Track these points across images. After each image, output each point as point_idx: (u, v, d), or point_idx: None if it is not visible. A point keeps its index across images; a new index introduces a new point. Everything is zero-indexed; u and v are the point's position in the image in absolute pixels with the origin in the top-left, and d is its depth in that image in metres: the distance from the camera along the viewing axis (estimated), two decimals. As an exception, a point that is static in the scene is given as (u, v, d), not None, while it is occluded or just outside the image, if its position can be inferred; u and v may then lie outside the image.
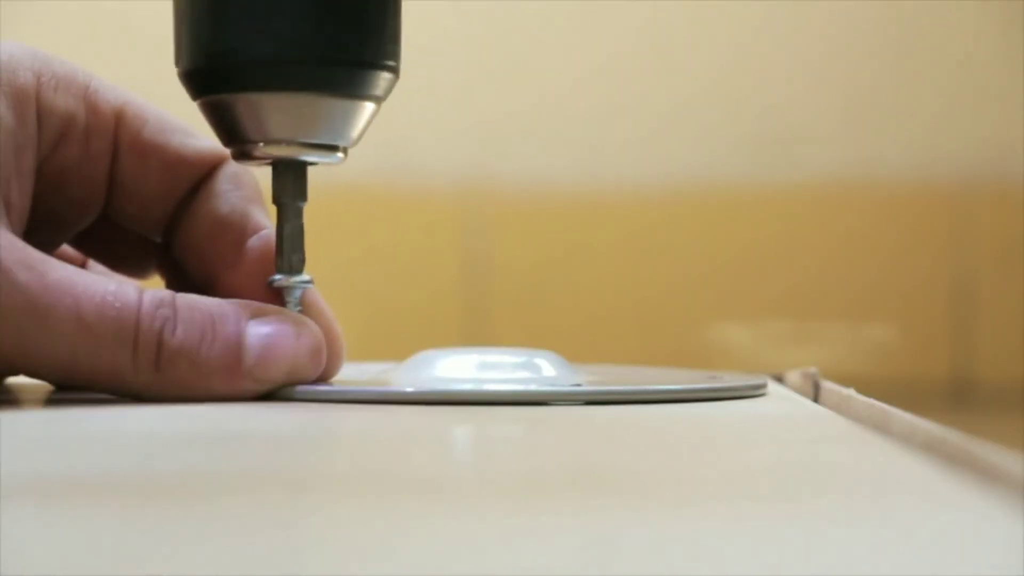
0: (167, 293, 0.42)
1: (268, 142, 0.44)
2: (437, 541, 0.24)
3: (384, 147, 1.03)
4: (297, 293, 0.45)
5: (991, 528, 0.25)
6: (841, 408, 0.45)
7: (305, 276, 0.45)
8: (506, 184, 1.06)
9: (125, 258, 0.49)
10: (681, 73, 1.07)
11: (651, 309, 1.06)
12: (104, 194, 0.46)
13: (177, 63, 0.44)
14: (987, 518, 0.26)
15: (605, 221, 1.06)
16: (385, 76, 0.44)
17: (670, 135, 1.07)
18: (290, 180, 0.45)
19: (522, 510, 0.26)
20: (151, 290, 0.42)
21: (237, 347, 0.42)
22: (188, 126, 0.46)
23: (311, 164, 0.45)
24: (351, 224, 1.06)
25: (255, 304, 0.43)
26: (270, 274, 0.45)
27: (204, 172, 0.47)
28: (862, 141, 1.06)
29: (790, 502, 0.28)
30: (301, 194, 0.45)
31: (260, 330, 0.42)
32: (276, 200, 0.45)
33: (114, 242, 0.49)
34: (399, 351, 0.50)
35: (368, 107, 0.44)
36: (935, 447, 0.33)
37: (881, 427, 0.39)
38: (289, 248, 0.45)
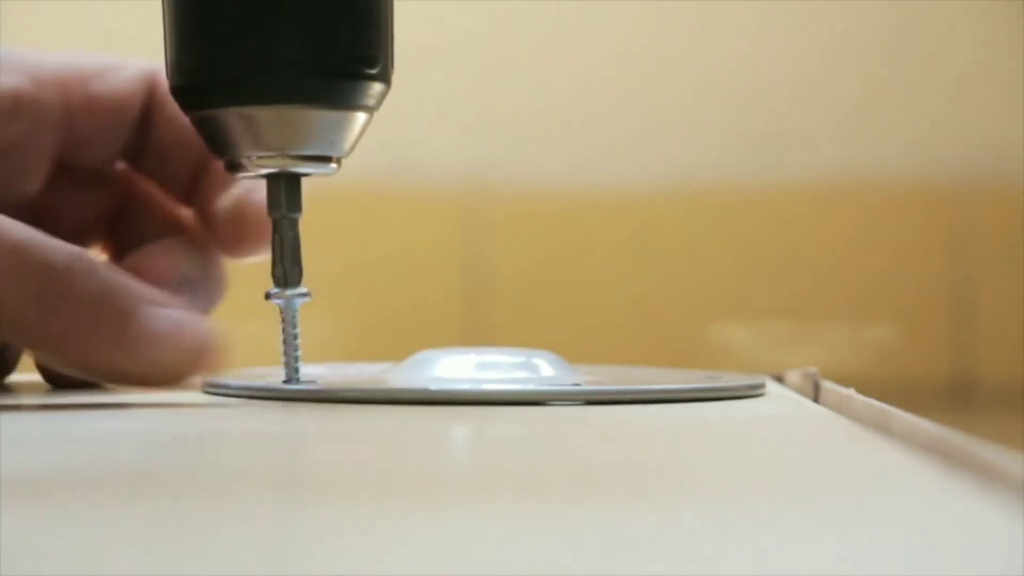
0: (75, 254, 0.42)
1: (261, 155, 0.44)
2: (436, 541, 0.24)
3: (384, 147, 1.03)
4: (296, 304, 0.44)
5: (991, 528, 0.25)
6: (841, 408, 0.44)
7: (302, 288, 0.44)
8: (506, 184, 1.06)
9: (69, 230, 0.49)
10: (681, 73, 1.07)
11: (651, 309, 1.06)
12: (47, 168, 0.47)
13: (168, 77, 0.44)
14: (987, 518, 0.26)
15: (605, 221, 1.06)
16: (377, 86, 0.44)
17: (670, 135, 1.07)
18: (284, 192, 0.44)
19: (521, 510, 0.26)
20: (67, 247, 0.42)
21: (126, 326, 0.41)
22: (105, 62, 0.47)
23: (304, 176, 0.45)
24: (351, 224, 1.06)
25: (154, 290, 0.43)
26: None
27: (141, 100, 0.47)
28: (862, 141, 1.06)
29: (789, 502, 0.28)
30: (295, 206, 0.44)
31: (153, 313, 0.42)
32: (270, 212, 0.45)
33: (56, 212, 0.49)
34: (398, 351, 0.50)
35: (360, 117, 0.44)
36: (935, 447, 0.33)
37: (881, 427, 0.39)
38: (285, 260, 0.44)
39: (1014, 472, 0.28)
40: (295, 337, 0.44)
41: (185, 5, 0.43)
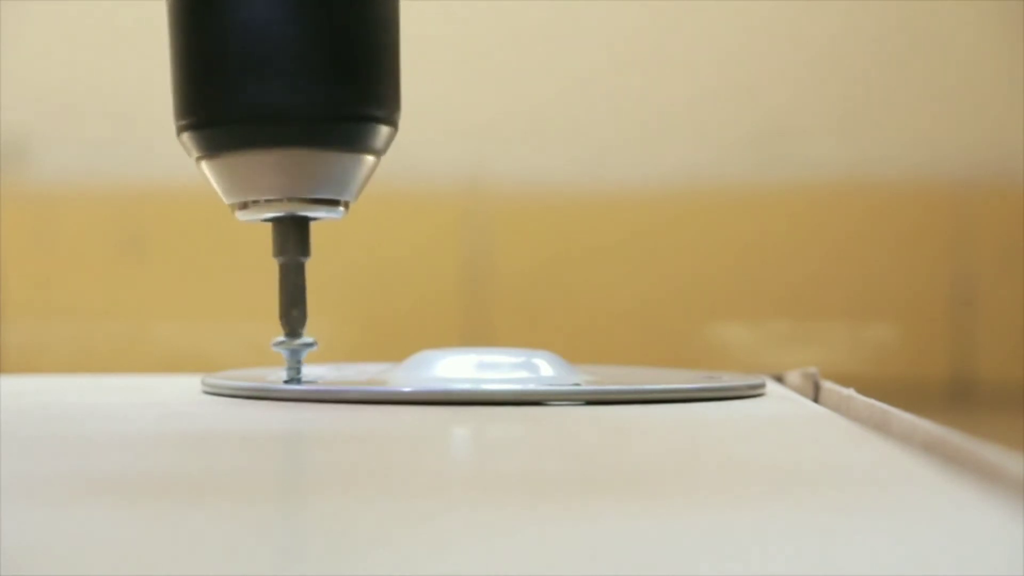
0: None
1: (269, 199, 0.43)
2: (436, 541, 0.24)
3: (384, 147, 1.02)
4: (302, 355, 0.44)
5: (991, 528, 0.25)
6: (841, 408, 0.44)
7: (308, 339, 0.44)
8: (506, 184, 1.06)
9: None
10: (681, 73, 1.07)
11: (651, 309, 1.06)
12: None
13: (176, 121, 0.43)
14: (987, 518, 0.26)
15: (605, 221, 1.06)
16: (385, 129, 0.44)
17: (670, 135, 1.07)
18: (291, 235, 0.44)
19: (521, 510, 0.26)
20: None
21: None
22: None
23: (312, 220, 0.44)
24: (350, 224, 1.06)
25: None
26: None
27: None
28: (862, 141, 1.06)
29: (790, 502, 0.28)
30: (303, 250, 0.44)
31: None
32: (278, 256, 0.44)
33: None
34: (398, 352, 0.50)
35: (368, 160, 0.44)
36: (935, 447, 0.33)
37: (881, 427, 0.39)
38: (291, 305, 0.44)
39: (1014, 472, 0.28)
40: (298, 381, 0.44)
41: (193, 49, 0.43)
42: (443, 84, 1.07)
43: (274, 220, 0.44)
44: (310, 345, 0.44)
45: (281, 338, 0.44)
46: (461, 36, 1.08)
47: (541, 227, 1.06)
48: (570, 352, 0.49)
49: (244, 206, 0.44)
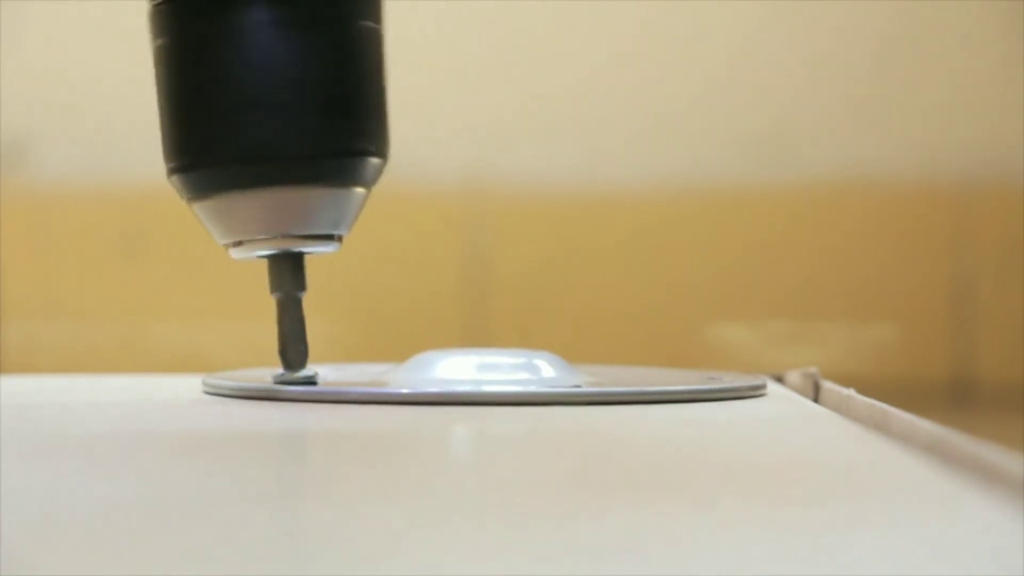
0: None
1: (262, 237, 0.43)
2: (437, 541, 0.24)
3: (384, 147, 1.02)
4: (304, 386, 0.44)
5: (991, 528, 0.25)
6: (841, 408, 0.44)
7: (309, 371, 0.44)
8: (506, 184, 1.06)
9: None
10: (681, 73, 1.07)
11: (651, 309, 1.06)
12: None
13: (166, 163, 0.43)
14: (987, 518, 0.26)
15: (605, 221, 1.06)
16: (374, 162, 0.43)
17: (670, 135, 1.07)
18: (287, 271, 0.44)
19: (521, 511, 0.26)
20: None
21: None
22: None
23: (307, 254, 0.44)
24: (351, 224, 1.06)
25: None
26: None
27: None
28: (862, 141, 1.06)
29: (790, 502, 0.28)
30: (299, 284, 0.44)
31: None
32: (275, 292, 0.44)
33: None
34: (399, 352, 0.50)
35: (359, 193, 0.44)
36: (935, 447, 0.33)
37: (881, 427, 0.39)
38: (290, 340, 0.44)
39: (1014, 472, 0.28)
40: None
41: (179, 92, 0.42)
42: (444, 84, 1.07)
43: (268, 257, 0.44)
44: (311, 379, 0.44)
45: (282, 372, 0.44)
46: (462, 36, 1.08)
47: (541, 227, 1.06)
48: (570, 352, 0.49)
49: (238, 244, 0.43)
